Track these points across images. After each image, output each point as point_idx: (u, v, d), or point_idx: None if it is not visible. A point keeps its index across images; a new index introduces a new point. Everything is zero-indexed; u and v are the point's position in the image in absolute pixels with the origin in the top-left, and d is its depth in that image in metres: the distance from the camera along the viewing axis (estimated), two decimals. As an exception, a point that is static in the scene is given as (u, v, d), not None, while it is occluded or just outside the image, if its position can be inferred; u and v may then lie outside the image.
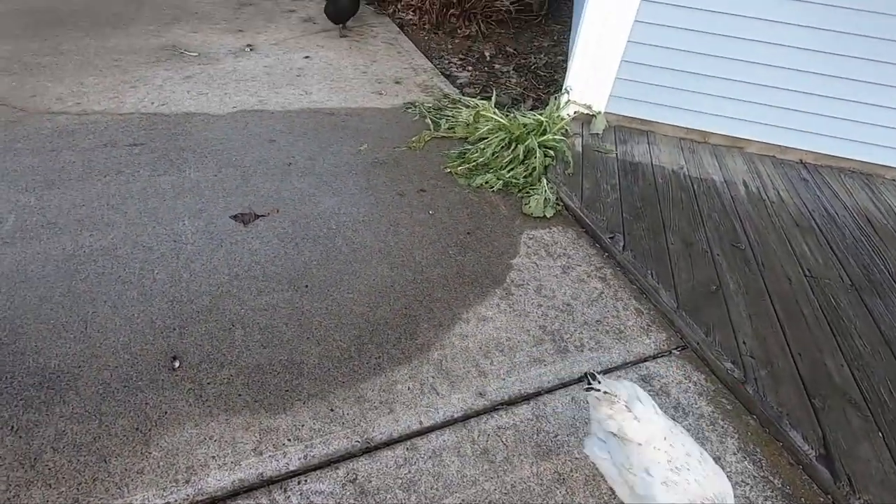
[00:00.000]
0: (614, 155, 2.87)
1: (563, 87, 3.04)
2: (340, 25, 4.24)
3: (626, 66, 2.84)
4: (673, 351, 1.92)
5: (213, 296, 1.92)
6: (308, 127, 2.98)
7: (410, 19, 4.80)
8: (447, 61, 4.21)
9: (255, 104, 3.14)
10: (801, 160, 3.00)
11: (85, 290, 1.88)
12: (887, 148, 2.79)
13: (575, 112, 3.09)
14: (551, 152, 2.78)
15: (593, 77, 2.90)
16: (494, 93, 3.29)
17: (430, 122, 3.12)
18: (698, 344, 1.88)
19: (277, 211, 2.35)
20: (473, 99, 3.34)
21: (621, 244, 2.26)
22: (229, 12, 4.44)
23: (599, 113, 3.01)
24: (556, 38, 4.87)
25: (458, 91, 3.61)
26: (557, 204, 2.53)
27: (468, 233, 2.36)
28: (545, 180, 2.63)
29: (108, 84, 3.17)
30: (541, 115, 3.00)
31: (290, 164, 2.65)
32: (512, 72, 4.17)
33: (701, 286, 2.09)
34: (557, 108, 3.06)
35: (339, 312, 1.91)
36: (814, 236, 2.43)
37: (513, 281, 2.13)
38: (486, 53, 4.48)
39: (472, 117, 3.03)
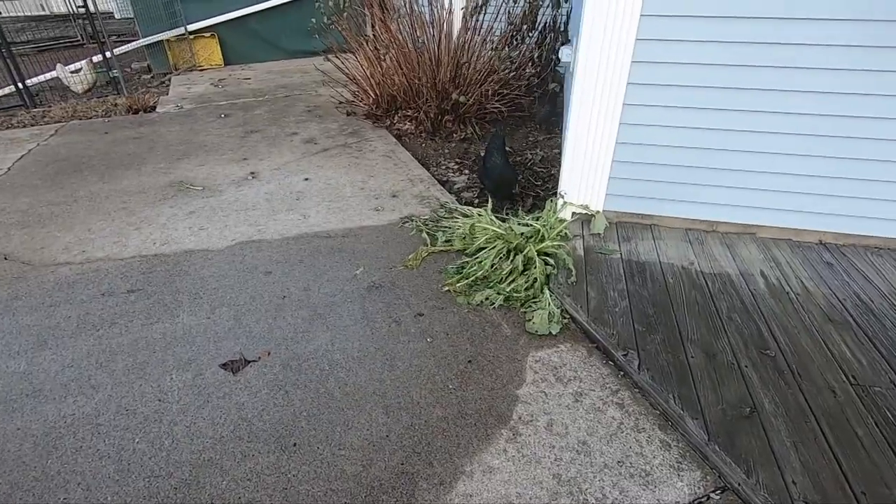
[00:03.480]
0: (619, 255, 2.75)
1: (558, 192, 3.00)
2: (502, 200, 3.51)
3: (619, 165, 2.81)
4: (711, 495, 1.66)
5: (195, 465, 1.77)
6: (304, 254, 2.97)
7: (407, 129, 5.00)
8: (444, 167, 4.30)
9: (254, 234, 3.17)
10: (820, 241, 2.83)
11: (59, 470, 1.76)
12: (912, 223, 2.61)
13: (573, 213, 3.02)
14: (551, 260, 2.68)
15: (587, 178, 2.87)
16: (491, 200, 3.28)
17: (426, 236, 3.09)
18: (739, 485, 1.62)
19: (269, 354, 2.25)
20: (470, 207, 3.33)
21: (636, 363, 2.06)
22: (236, 142, 4.70)
23: (598, 213, 2.94)
24: (549, 130, 4.98)
25: (454, 198, 3.62)
26: (563, 317, 2.38)
27: (469, 361, 2.20)
28: (548, 291, 2.50)
29: (115, 228, 3.27)
30: (537, 220, 2.94)
31: (285, 298, 2.60)
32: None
33: (732, 409, 1.86)
34: (554, 212, 3.01)
35: (329, 475, 1.73)
36: (851, 332, 2.19)
37: (520, 417, 1.93)
38: (482, 154, 4.57)
39: (468, 228, 2.99)
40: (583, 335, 2.32)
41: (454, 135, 4.91)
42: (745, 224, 2.88)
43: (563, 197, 2.95)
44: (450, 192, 3.73)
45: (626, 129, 2.69)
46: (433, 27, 4.67)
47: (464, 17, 4.67)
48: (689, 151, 2.73)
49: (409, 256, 2.90)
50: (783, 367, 2.02)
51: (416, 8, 4.77)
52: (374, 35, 5.10)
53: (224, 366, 2.19)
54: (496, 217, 3.07)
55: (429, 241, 3.05)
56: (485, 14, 4.70)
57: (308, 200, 3.59)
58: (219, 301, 2.58)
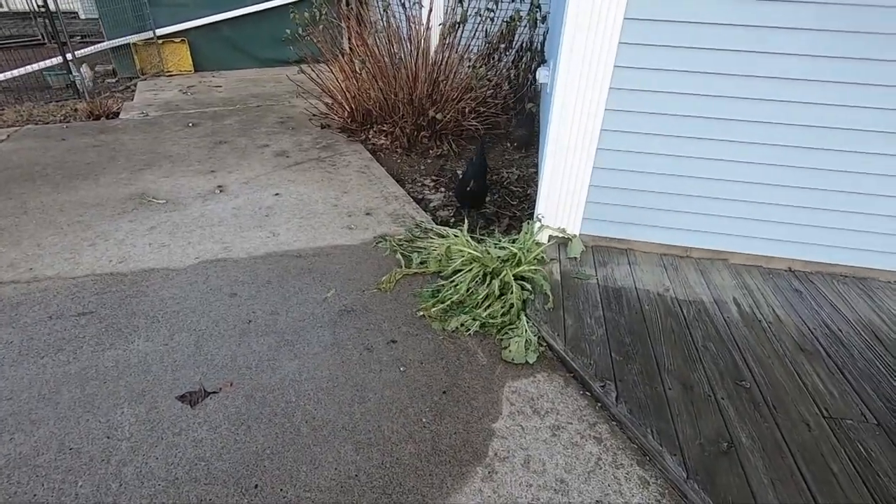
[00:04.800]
0: (595, 280, 2.73)
1: (535, 215, 2.97)
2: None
3: (596, 190, 2.80)
4: (691, 537, 1.61)
5: (144, 512, 1.63)
6: (273, 274, 2.84)
7: (383, 144, 4.93)
8: (420, 184, 4.23)
9: (220, 252, 3.03)
10: (789, 268, 2.88)
11: (-11, 520, 1.59)
12: (879, 252, 2.68)
13: (550, 237, 3.00)
14: (528, 285, 2.63)
15: (564, 202, 2.85)
16: (467, 220, 3.22)
17: (400, 257, 3.00)
18: (719, 526, 1.58)
19: (231, 384, 2.12)
20: (446, 227, 3.27)
21: (614, 394, 2.02)
22: (204, 153, 4.53)
23: (574, 237, 2.92)
24: (526, 149, 4.98)
25: (429, 218, 3.55)
26: (540, 345, 2.33)
27: (444, 391, 2.12)
28: (525, 318, 2.45)
29: (67, 243, 3.07)
30: (513, 242, 2.90)
31: (250, 322, 2.47)
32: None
33: (710, 444, 1.83)
34: (531, 234, 2.97)
35: (293, 522, 1.62)
36: (822, 362, 2.21)
37: (496, 453, 1.86)
38: (459, 172, 4.53)
39: (444, 250, 2.92)
40: (560, 364, 2.28)
41: (430, 151, 4.86)
42: (718, 250, 2.91)
43: (540, 220, 2.93)
44: (425, 211, 3.67)
45: (603, 154, 2.69)
46: (410, 43, 4.63)
47: (441, 33, 4.66)
48: (665, 178, 2.74)
49: (383, 279, 2.81)
50: (758, 400, 2.02)
51: (393, 23, 4.73)
52: (350, 48, 5.03)
53: (182, 398, 2.05)
54: (472, 238, 3.02)
55: (403, 262, 2.97)
56: (462, 31, 4.70)
57: (278, 217, 3.46)
58: (179, 325, 2.43)
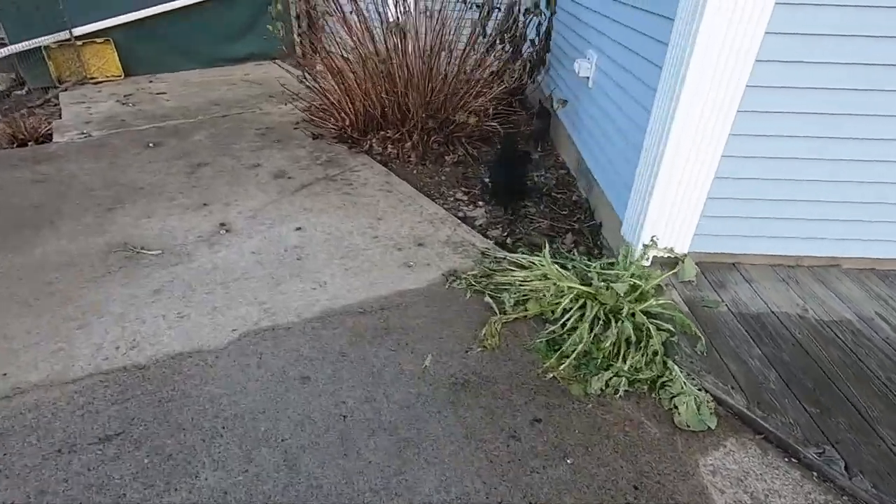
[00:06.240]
0: (725, 308, 2.38)
1: (634, 233, 2.56)
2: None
3: (712, 202, 2.44)
4: None
5: None
6: (343, 341, 2.25)
7: (390, 153, 4.32)
8: (452, 199, 3.71)
9: (261, 318, 2.37)
10: (901, 268, 2.69)
11: None
12: None
13: (653, 257, 2.61)
14: (663, 324, 2.23)
15: (676, 218, 2.47)
16: (548, 245, 2.76)
17: (490, 300, 2.50)
18: None
19: (363, 523, 1.56)
20: (523, 255, 2.80)
21: (842, 463, 1.68)
22: (182, 180, 3.72)
23: (686, 257, 2.56)
24: (548, 149, 4.58)
25: (492, 243, 3.06)
26: (710, 403, 1.94)
27: (635, 487, 1.68)
28: (676, 367, 2.06)
29: (46, 329, 2.28)
30: (610, 266, 2.49)
31: (346, 418, 1.89)
32: (527, 201, 3.73)
33: (981, 516, 1.53)
34: (628, 258, 2.57)
35: None
36: None
37: (745, 571, 1.46)
38: (486, 179, 4.04)
39: (548, 288, 2.45)
40: (740, 423, 1.90)
41: (445, 158, 4.33)
42: (832, 256, 2.67)
43: (655, 243, 2.53)
44: (482, 236, 3.16)
45: (727, 161, 2.32)
46: (420, 36, 4.04)
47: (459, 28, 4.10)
48: (782, 183, 2.44)
49: (483, 332, 2.30)
50: None
51: (400, 14, 4.11)
52: (343, 45, 4.35)
53: (304, 559, 1.46)
54: (556, 264, 2.58)
55: (495, 306, 2.48)
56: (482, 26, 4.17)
57: (313, 259, 2.82)
58: (251, 438, 1.80)
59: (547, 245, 2.79)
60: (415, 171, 4.12)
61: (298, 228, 3.12)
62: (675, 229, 2.52)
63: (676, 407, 1.94)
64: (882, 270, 2.69)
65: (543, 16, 4.55)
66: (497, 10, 4.57)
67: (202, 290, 2.56)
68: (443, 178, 4.04)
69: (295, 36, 7.96)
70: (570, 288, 2.39)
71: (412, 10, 4.09)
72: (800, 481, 1.70)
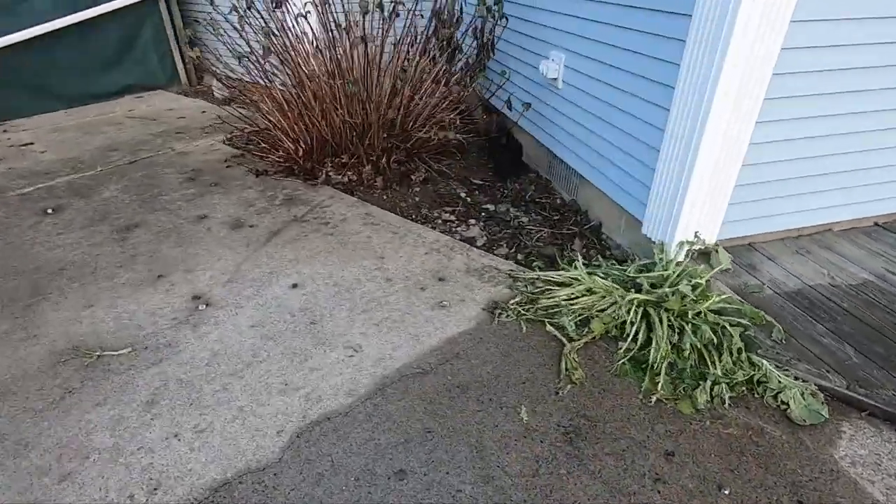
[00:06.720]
0: (770, 290, 2.44)
1: (662, 230, 2.52)
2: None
3: (739, 189, 2.49)
4: None
5: None
6: (420, 414, 1.91)
7: (350, 182, 3.93)
8: (441, 221, 3.44)
9: (306, 408, 1.94)
10: (874, 223, 2.99)
11: None
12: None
13: (688, 251, 2.61)
14: (736, 320, 2.21)
15: (710, 210, 2.48)
16: (580, 256, 2.64)
17: (552, 329, 2.31)
18: None
19: None
20: (558, 271, 2.65)
21: (955, 425, 1.76)
22: (116, 250, 3.00)
23: (718, 246, 2.58)
24: (506, 180, 4.47)
25: (513, 264, 2.87)
26: (816, 392, 1.95)
27: (799, 502, 1.61)
28: (765, 362, 2.04)
29: (21, 480, 1.64)
30: (650, 271, 2.44)
31: (473, 510, 1.58)
32: (515, 211, 3.59)
33: None
34: (664, 254, 2.54)
35: None
36: None
37: (941, 562, 1.45)
38: (462, 195, 3.84)
39: (601, 302, 2.32)
40: (842, 405, 1.93)
41: (410, 178, 4.04)
42: (825, 223, 2.88)
43: (699, 238, 2.51)
44: (500, 258, 2.95)
45: (753, 148, 2.37)
46: (358, 49, 3.70)
47: (398, 38, 3.82)
48: (796, 163, 2.56)
49: (562, 366, 2.10)
50: None
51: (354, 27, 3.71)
52: (281, 67, 3.84)
53: None
54: (593, 275, 2.48)
55: (558, 334, 2.29)
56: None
57: (332, 320, 2.40)
58: (375, 570, 1.43)
59: (580, 257, 2.67)
60: (384, 197, 3.78)
61: (295, 286, 2.65)
62: (709, 220, 2.53)
63: (785, 403, 1.91)
64: (863, 227, 2.96)
65: (491, 20, 4.36)
66: (418, 16, 4.33)
67: (211, 387, 2.04)
68: (417, 199, 3.76)
69: (179, 61, 7.07)
70: (630, 300, 2.28)
71: (358, 24, 3.72)
72: (926, 451, 1.75)
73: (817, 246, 2.78)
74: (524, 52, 3.87)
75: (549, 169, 3.96)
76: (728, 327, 2.13)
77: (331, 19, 3.69)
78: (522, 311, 2.43)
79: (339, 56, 3.67)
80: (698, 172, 2.34)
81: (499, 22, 3.92)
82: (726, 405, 1.94)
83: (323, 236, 3.11)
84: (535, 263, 2.85)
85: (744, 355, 2.08)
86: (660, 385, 2.01)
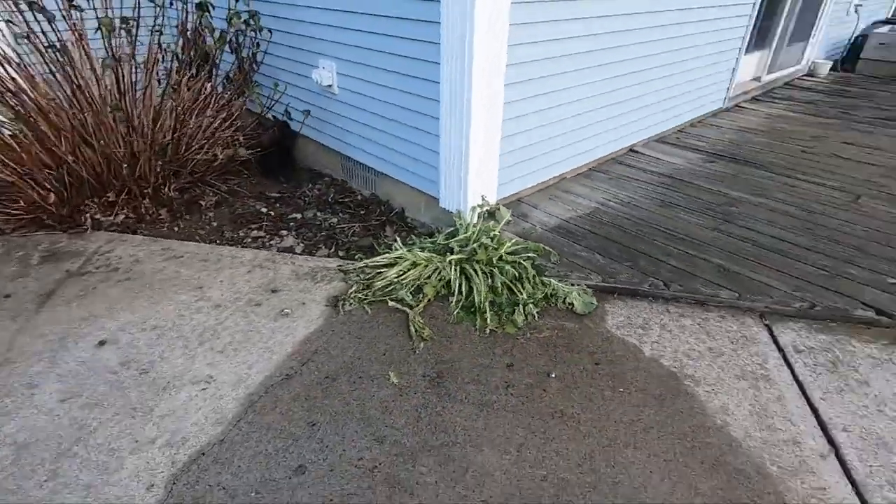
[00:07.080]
0: (540, 230, 3.16)
1: (462, 199, 3.04)
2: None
3: (503, 157, 3.12)
4: None
5: None
6: (298, 412, 1.96)
7: (127, 221, 3.48)
8: (250, 238, 3.36)
9: (169, 455, 1.78)
10: (589, 168, 4.07)
11: None
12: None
13: (478, 214, 3.16)
14: (525, 255, 2.81)
15: (487, 178, 3.05)
16: (397, 238, 2.95)
17: (394, 304, 2.56)
18: None
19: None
20: (381, 254, 2.91)
21: (661, 284, 2.64)
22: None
23: (499, 206, 3.19)
24: (298, 165, 4.52)
25: (339, 259, 3.02)
26: (587, 290, 2.65)
27: (596, 363, 2.23)
28: (552, 280, 2.68)
29: None
30: (453, 237, 2.93)
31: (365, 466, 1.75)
32: (322, 214, 3.72)
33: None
34: (460, 218, 3.05)
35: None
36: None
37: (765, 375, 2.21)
38: (263, 209, 3.78)
39: (426, 271, 2.68)
40: (602, 293, 2.69)
41: (200, 203, 3.78)
42: (560, 174, 3.81)
43: (487, 201, 3.04)
44: (309, 255, 3.06)
45: (506, 123, 3.01)
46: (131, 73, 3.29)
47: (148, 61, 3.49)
48: (535, 131, 3.32)
49: (413, 330, 2.39)
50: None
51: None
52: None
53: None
54: (412, 251, 2.86)
55: (400, 306, 2.56)
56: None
57: (165, 363, 2.19)
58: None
59: (397, 239, 2.98)
60: (176, 229, 3.47)
61: (103, 342, 2.31)
62: (488, 186, 3.12)
63: (571, 304, 2.58)
64: (584, 172, 4.01)
65: (252, 34, 4.23)
66: (159, 32, 4.01)
67: (33, 482, 1.69)
68: (216, 224, 3.56)
69: None
70: (449, 262, 2.70)
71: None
72: (650, 305, 2.60)
73: (560, 191, 3.68)
74: (296, 63, 3.97)
75: (343, 170, 4.18)
76: (522, 262, 2.73)
77: (44, 39, 3.16)
78: (362, 297, 2.63)
79: (77, 79, 3.18)
80: (473, 150, 2.87)
81: (259, 35, 3.93)
82: (536, 318, 2.51)
83: (117, 283, 2.74)
84: (357, 256, 3.06)
85: (538, 279, 2.70)
86: (488, 319, 2.47)
